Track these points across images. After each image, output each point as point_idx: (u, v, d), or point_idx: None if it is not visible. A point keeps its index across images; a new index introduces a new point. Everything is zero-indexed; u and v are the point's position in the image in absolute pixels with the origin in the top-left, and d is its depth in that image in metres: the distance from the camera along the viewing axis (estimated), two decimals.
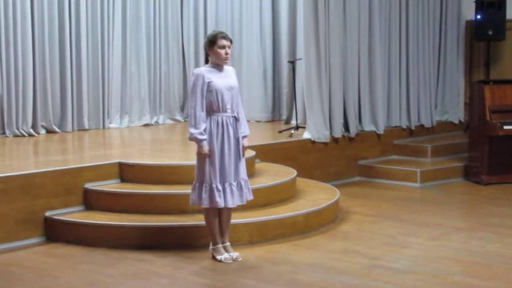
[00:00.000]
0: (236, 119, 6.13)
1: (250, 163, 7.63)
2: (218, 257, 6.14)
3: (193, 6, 11.92)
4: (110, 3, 10.80)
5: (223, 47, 6.05)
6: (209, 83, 6.00)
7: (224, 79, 6.09)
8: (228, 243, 6.26)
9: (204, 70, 6.08)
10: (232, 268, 5.96)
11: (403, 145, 10.87)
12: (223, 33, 6.16)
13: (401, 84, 11.09)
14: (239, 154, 6.15)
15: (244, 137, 6.22)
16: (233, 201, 6.11)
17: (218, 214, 6.19)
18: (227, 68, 6.20)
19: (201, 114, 5.98)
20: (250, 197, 6.28)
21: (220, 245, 6.21)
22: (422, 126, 11.43)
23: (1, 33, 9.60)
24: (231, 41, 6.14)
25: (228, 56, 6.11)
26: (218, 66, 6.13)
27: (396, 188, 9.58)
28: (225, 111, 6.06)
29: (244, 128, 6.24)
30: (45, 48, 10.03)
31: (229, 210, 6.24)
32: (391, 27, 10.89)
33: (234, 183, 6.10)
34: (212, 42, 6.08)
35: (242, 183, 6.17)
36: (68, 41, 10.27)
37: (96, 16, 10.62)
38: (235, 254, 6.19)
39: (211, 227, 6.18)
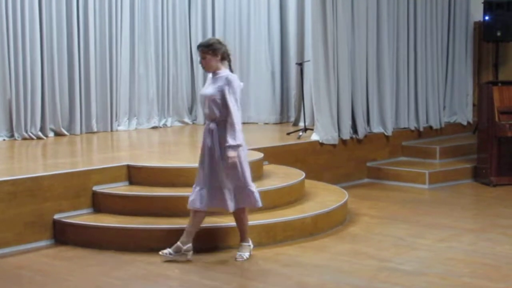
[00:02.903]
0: None
1: (258, 165, 7.65)
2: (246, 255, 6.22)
3: (201, 8, 11.92)
4: (118, 6, 10.81)
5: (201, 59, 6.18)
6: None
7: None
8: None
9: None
10: (240, 270, 5.97)
11: (412, 146, 10.85)
12: (199, 45, 6.24)
13: (409, 85, 11.07)
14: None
15: None
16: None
17: (235, 216, 6.29)
18: (219, 77, 6.16)
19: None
20: None
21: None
22: (430, 127, 11.40)
23: (10, 36, 9.63)
24: (204, 50, 6.10)
25: (205, 66, 6.19)
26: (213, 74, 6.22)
27: (404, 190, 9.56)
28: None
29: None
30: (53, 51, 10.04)
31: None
32: (399, 29, 10.87)
33: None
34: None
35: None
36: (76, 43, 10.30)
37: (104, 19, 10.63)
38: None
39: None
